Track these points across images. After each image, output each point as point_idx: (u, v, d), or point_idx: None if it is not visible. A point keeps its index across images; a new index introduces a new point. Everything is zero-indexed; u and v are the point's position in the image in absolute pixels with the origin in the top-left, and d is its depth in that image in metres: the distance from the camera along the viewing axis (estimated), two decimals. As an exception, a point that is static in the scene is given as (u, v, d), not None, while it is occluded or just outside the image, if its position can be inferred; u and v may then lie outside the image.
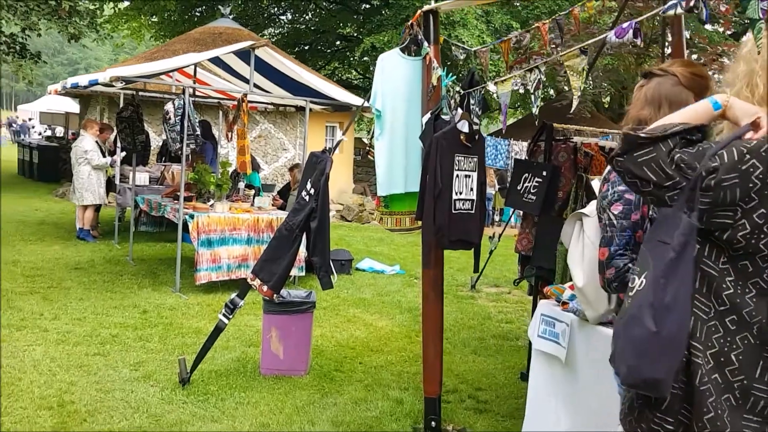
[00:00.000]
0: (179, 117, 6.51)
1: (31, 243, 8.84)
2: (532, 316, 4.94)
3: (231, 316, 4.25)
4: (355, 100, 7.56)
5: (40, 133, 33.16)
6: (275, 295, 4.24)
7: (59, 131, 30.71)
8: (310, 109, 7.80)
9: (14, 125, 36.01)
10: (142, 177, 9.34)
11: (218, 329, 4.25)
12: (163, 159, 10.98)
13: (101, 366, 4.50)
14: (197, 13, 21.56)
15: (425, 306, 3.84)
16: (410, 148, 3.83)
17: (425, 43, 3.59)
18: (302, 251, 5.04)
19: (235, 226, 6.84)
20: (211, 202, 7.32)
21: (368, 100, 3.84)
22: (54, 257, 8.05)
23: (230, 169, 8.80)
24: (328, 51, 23.21)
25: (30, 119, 38.61)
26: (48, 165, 17.28)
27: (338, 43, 22.99)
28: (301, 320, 4.58)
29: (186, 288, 6.82)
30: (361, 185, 17.21)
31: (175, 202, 7.38)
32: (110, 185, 10.10)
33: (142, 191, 8.95)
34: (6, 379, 4.10)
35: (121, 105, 8.90)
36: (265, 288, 4.10)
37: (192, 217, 6.63)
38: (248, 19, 20.28)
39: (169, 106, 6.56)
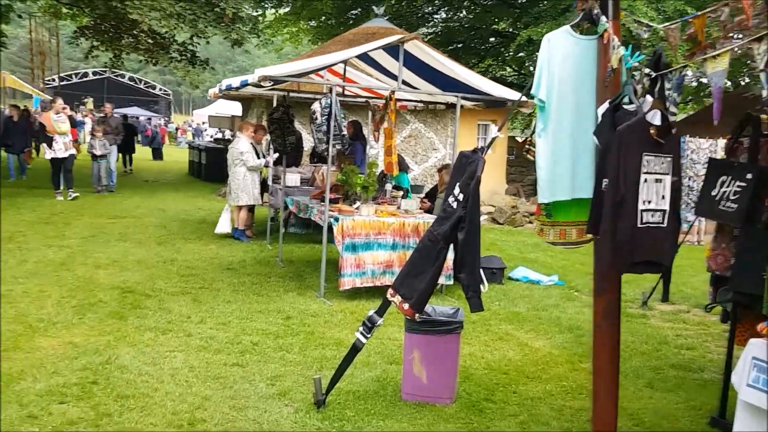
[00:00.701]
0: (326, 117, 6.27)
1: (190, 241, 9.14)
2: (728, 350, 4.07)
3: (369, 335, 3.85)
4: (511, 94, 6.91)
5: (211, 136, 35.65)
6: (417, 315, 3.76)
7: (228, 134, 32.84)
8: (462, 106, 7.28)
9: (190, 128, 39.05)
10: (293, 178, 9.34)
11: (355, 349, 3.86)
12: (315, 159, 10.98)
13: (238, 378, 4.29)
14: (352, 16, 21.85)
15: (597, 336, 3.17)
16: (580, 145, 3.18)
17: (602, 18, 2.93)
18: (450, 258, 4.55)
19: (380, 231, 6.49)
20: (357, 204, 7.04)
21: (528, 92, 3.24)
22: (209, 256, 8.22)
23: (377, 170, 8.51)
24: (482, 48, 22.52)
25: (203, 123, 41.72)
26: (213, 166, 18.23)
27: (492, 39, 22.23)
28: (446, 342, 4.07)
29: (330, 293, 6.59)
30: (515, 186, 16.37)
31: (322, 204, 7.19)
32: (264, 186, 10.26)
33: (293, 192, 8.93)
34: (143, 389, 4.00)
35: (274, 106, 8.94)
36: (405, 306, 3.64)
37: (337, 220, 6.37)
38: (402, 18, 20.15)
39: (315, 106, 6.34)
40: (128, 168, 18.79)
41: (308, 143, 12.52)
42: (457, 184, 3.54)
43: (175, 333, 5.14)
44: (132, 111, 40.55)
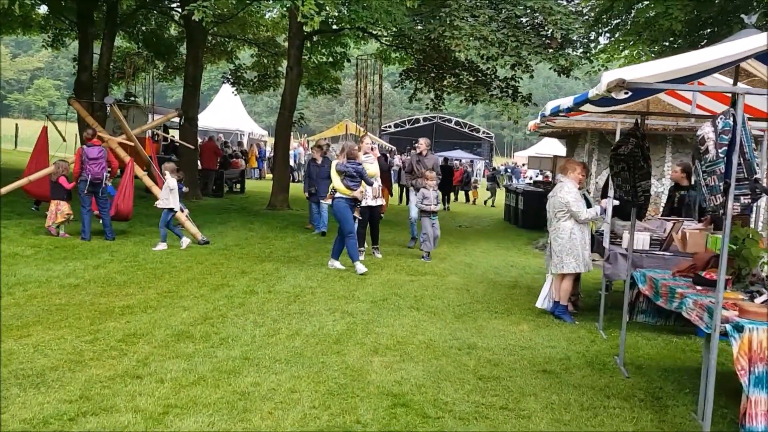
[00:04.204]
0: (726, 148, 3.61)
1: (497, 316, 7.05)
2: None
3: None
4: None
5: (531, 178, 33.89)
6: None
7: (549, 174, 30.69)
8: None
9: (508, 170, 37.90)
10: (640, 239, 6.67)
11: None
12: (671, 211, 8.06)
13: None
14: (706, 34, 17.97)
15: None
16: None
17: None
18: None
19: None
20: (762, 297, 4.14)
21: None
22: (519, 344, 6.00)
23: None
24: None
25: (523, 164, 40.32)
26: (531, 211, 16.18)
27: None
28: None
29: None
30: None
31: (701, 290, 4.46)
32: (594, 243, 7.72)
33: (641, 260, 6.26)
34: None
35: (617, 138, 6.44)
36: None
37: (739, 329, 3.60)
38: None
39: (706, 130, 3.72)
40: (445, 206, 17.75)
41: (654, 189, 9.61)
42: None
43: None
44: (454, 153, 41.11)
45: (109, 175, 10.28)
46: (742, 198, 3.71)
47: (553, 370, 5.30)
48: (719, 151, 3.64)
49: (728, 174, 3.61)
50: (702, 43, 17.74)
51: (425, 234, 10.24)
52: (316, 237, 12.02)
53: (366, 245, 10.10)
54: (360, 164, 9.15)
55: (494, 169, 33.13)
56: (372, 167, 9.98)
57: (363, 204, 9.46)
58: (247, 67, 23.40)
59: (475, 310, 7.23)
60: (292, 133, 26.83)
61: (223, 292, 7.43)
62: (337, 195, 8.98)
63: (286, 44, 18.71)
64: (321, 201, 12.08)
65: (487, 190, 26.08)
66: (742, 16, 14.47)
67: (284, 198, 16.69)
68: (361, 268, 8.81)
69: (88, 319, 6.08)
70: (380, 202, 10.14)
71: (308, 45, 18.93)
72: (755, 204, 4.18)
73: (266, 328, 6.11)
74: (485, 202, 24.64)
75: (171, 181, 10.02)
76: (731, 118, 3.63)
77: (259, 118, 65.31)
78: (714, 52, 3.82)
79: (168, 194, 9.96)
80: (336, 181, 8.97)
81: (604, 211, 7.27)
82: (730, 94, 5.68)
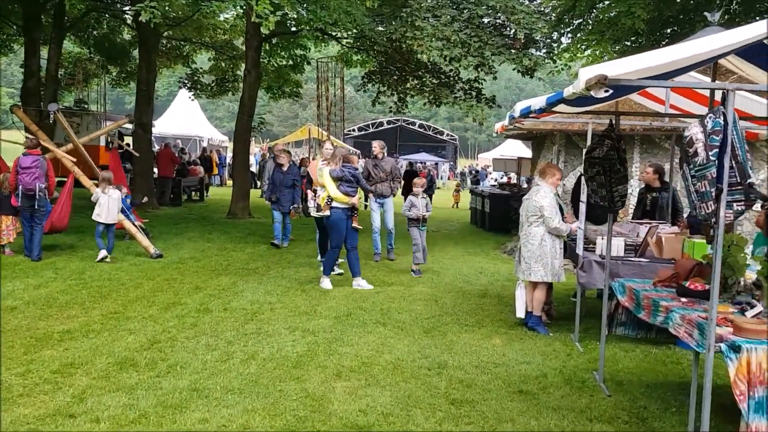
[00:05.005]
0: (716, 150, 3.28)
1: (467, 329, 6.67)
2: None
3: None
4: None
5: (495, 179, 33.77)
6: None
7: (514, 177, 30.57)
8: None
9: (473, 172, 37.79)
10: (614, 244, 6.35)
11: None
12: (643, 214, 7.82)
13: None
14: (666, 34, 17.97)
15: None
16: None
17: None
18: None
19: (834, 377, 3.21)
20: (754, 310, 3.83)
21: None
22: (492, 361, 5.62)
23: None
24: None
25: (487, 166, 40.25)
26: (498, 214, 15.92)
27: None
28: None
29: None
30: None
31: (687, 303, 4.14)
32: (566, 250, 7.41)
33: (617, 268, 5.95)
34: None
35: (589, 141, 6.13)
36: None
37: (735, 349, 3.26)
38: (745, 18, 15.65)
39: (694, 130, 3.39)
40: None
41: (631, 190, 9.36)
42: None
43: None
44: (419, 156, 40.88)
45: (45, 188, 9.45)
46: (735, 204, 3.38)
47: (530, 391, 4.93)
48: (710, 153, 3.30)
49: (720, 178, 3.28)
50: (664, 42, 17.75)
51: (416, 245, 9.52)
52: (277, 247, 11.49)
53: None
54: (357, 169, 8.69)
55: (461, 173, 32.99)
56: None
57: (315, 215, 8.89)
58: (204, 71, 22.71)
59: (444, 323, 6.84)
60: (253, 138, 26.16)
61: (174, 311, 6.90)
62: (335, 205, 8.32)
63: (243, 47, 18.14)
64: (292, 210, 11.56)
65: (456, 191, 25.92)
66: (705, 13, 14.42)
67: (245, 206, 16.13)
68: (326, 284, 8.34)
69: (23, 347, 5.52)
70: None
71: (267, 47, 18.39)
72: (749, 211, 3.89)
73: (219, 351, 5.62)
74: (453, 206, 24.43)
75: (96, 194, 9.55)
76: (722, 117, 3.30)
77: (221, 123, 64.19)
78: (699, 45, 3.49)
79: (100, 207, 9.45)
80: (332, 189, 8.27)
81: (574, 238, 6.88)
82: (707, 93, 5.43)
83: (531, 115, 5.32)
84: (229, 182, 23.06)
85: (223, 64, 21.83)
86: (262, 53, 17.56)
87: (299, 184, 11.73)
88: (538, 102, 4.64)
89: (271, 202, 11.45)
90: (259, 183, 23.81)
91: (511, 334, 6.53)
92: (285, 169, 11.46)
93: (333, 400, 4.59)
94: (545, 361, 5.70)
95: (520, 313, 6.81)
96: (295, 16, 14.13)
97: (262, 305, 7.31)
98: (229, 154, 28.96)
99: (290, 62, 19.79)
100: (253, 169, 25.33)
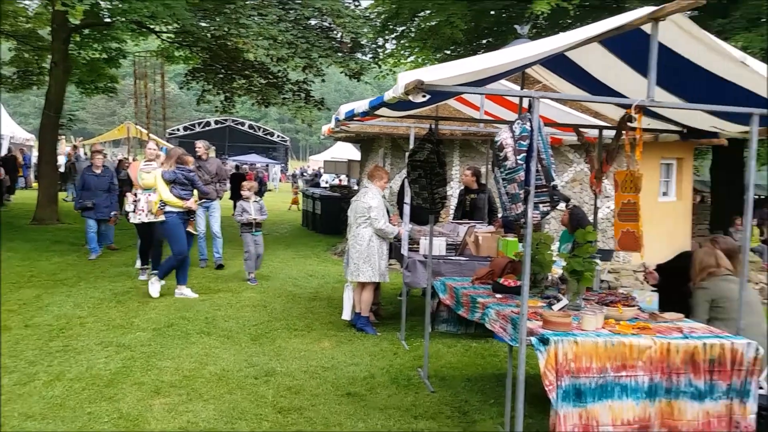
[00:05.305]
0: (524, 155, 3.47)
1: (296, 334, 6.57)
2: None
3: None
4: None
5: (326, 182, 34.01)
6: None
7: (344, 179, 30.93)
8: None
9: (306, 175, 37.75)
10: (436, 244, 6.59)
11: None
12: (463, 215, 8.21)
13: None
14: (483, 44, 19.19)
15: None
16: None
17: None
18: None
19: (624, 362, 3.53)
20: (562, 303, 4.13)
21: None
22: (322, 365, 5.57)
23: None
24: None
25: (319, 168, 40.47)
26: (329, 217, 16.00)
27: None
28: None
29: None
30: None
31: (501, 299, 4.37)
32: (392, 251, 7.57)
33: (439, 267, 6.17)
34: None
35: (412, 144, 6.31)
36: None
37: (544, 342, 3.48)
38: (549, 32, 17.15)
39: (503, 135, 3.56)
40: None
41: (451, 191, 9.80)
42: None
43: None
44: (249, 158, 40.05)
45: None
46: (541, 206, 3.61)
47: (358, 392, 4.93)
48: (518, 157, 3.49)
49: (528, 181, 3.48)
50: (480, 52, 18.90)
51: (247, 252, 9.12)
52: (88, 256, 10.55)
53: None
54: (191, 171, 8.12)
55: (293, 175, 32.77)
56: (151, 177, 8.71)
57: (136, 221, 8.34)
58: (4, 63, 20.36)
59: (273, 329, 6.68)
60: (64, 137, 23.90)
61: (-39, 332, 6.05)
62: (168, 209, 7.76)
63: (50, 38, 16.53)
64: (113, 217, 10.62)
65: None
66: (516, 26, 15.37)
67: (53, 210, 14.68)
68: (156, 289, 7.80)
69: None
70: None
71: (77, 39, 16.90)
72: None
73: (18, 374, 5.01)
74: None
75: None
76: (528, 124, 3.50)
77: (26, 120, 58.16)
78: (509, 55, 3.69)
79: None
80: (165, 193, 7.74)
81: (400, 239, 7.03)
82: (516, 101, 5.80)
83: (356, 119, 5.34)
84: (35, 184, 20.92)
85: (26, 55, 19.71)
86: (72, 45, 16.12)
87: (116, 188, 10.85)
88: (362, 105, 4.66)
89: (85, 209, 10.42)
90: (64, 187, 21.77)
91: (340, 336, 6.53)
92: (99, 171, 10.55)
93: (150, 420, 4.26)
94: (373, 361, 5.76)
95: (347, 315, 6.85)
96: (109, 6, 13.12)
97: (71, 320, 6.65)
98: (35, 153, 26.28)
99: (104, 56, 18.37)
100: (62, 170, 23.17)
